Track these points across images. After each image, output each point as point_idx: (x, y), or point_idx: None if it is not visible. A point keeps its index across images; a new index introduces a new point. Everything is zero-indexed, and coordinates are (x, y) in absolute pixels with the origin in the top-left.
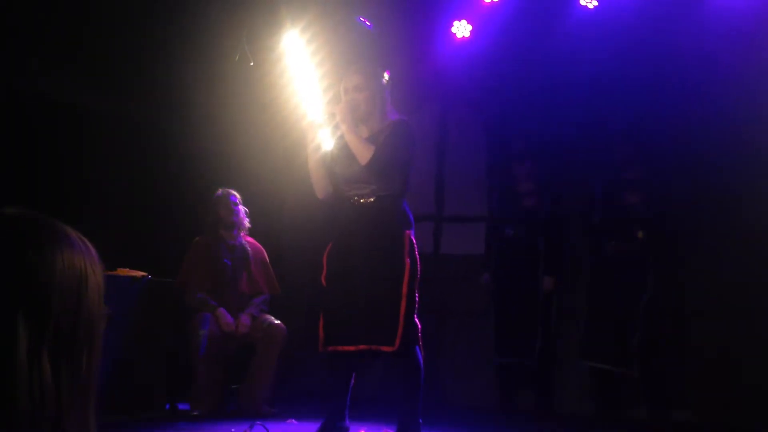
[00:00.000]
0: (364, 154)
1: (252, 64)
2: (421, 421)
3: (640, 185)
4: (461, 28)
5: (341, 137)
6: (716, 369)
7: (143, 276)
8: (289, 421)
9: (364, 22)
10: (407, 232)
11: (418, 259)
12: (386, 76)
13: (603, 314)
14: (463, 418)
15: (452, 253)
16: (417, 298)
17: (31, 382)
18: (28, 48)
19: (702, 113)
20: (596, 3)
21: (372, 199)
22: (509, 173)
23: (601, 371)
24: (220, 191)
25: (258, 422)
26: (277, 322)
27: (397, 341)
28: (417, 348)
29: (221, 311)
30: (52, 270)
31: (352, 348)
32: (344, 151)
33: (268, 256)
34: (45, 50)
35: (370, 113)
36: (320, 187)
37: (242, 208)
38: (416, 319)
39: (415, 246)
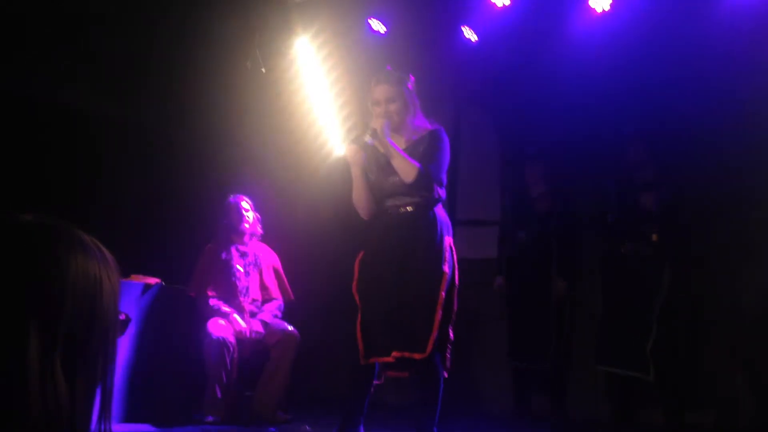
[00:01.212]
0: (409, 172)
1: (264, 70)
2: (436, 430)
3: (654, 186)
4: (472, 33)
5: (376, 149)
6: (731, 372)
7: (156, 282)
8: (303, 427)
9: (370, 27)
10: (448, 238)
11: (456, 267)
12: (411, 79)
13: (618, 317)
14: (477, 422)
15: (465, 256)
16: (455, 308)
17: (43, 388)
18: (43, 57)
19: (715, 113)
20: (608, 6)
21: (410, 208)
22: (522, 176)
23: (616, 374)
24: (231, 197)
25: (272, 429)
26: (291, 328)
27: (429, 348)
28: (438, 358)
29: (234, 317)
30: (65, 277)
31: (389, 359)
32: (382, 162)
33: (281, 262)
34: (59, 59)
35: (404, 122)
36: (367, 207)
37: (254, 215)
38: (450, 330)
39: (455, 253)
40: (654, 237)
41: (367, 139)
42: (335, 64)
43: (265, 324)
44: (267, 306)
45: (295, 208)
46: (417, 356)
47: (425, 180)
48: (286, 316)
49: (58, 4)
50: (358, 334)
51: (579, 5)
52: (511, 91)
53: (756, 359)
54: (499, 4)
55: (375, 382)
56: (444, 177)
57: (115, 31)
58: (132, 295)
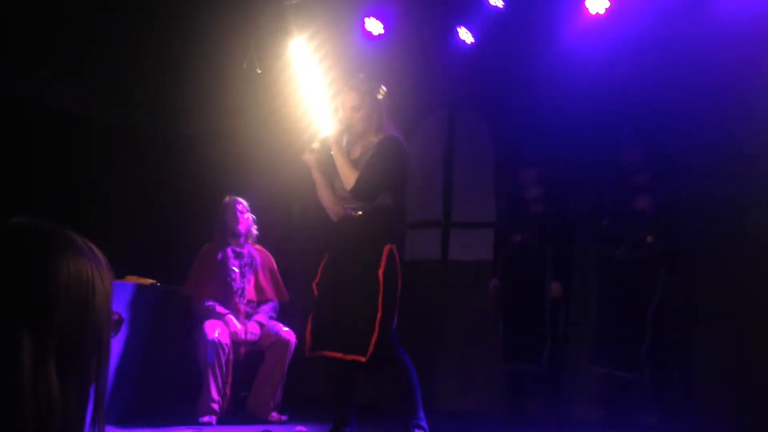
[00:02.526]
0: (349, 180)
1: (259, 71)
2: (425, 424)
3: (649, 190)
4: (468, 35)
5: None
6: (727, 374)
7: (152, 283)
8: (297, 428)
9: (366, 29)
10: (387, 245)
11: (399, 272)
12: (383, 90)
13: (613, 318)
14: (472, 424)
15: (460, 259)
16: (396, 310)
17: (36, 390)
18: (36, 60)
19: (711, 116)
20: (603, 10)
21: (360, 213)
22: (517, 179)
23: (611, 377)
24: (227, 199)
25: (267, 430)
26: (286, 329)
27: (369, 352)
28: (401, 353)
29: (229, 318)
30: (57, 279)
31: (331, 354)
32: (333, 168)
33: (277, 264)
34: (53, 62)
35: (366, 131)
36: (331, 210)
37: (250, 216)
38: (390, 335)
39: (396, 259)
40: (649, 239)
41: (315, 145)
42: (331, 65)
43: (260, 325)
44: (262, 307)
45: (290, 209)
46: (359, 359)
47: (362, 186)
48: (282, 317)
49: (50, 5)
50: (308, 328)
51: (575, 8)
52: (505, 93)
53: (751, 361)
54: (500, 5)
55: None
56: (392, 183)
57: (109, 31)
58: (127, 295)
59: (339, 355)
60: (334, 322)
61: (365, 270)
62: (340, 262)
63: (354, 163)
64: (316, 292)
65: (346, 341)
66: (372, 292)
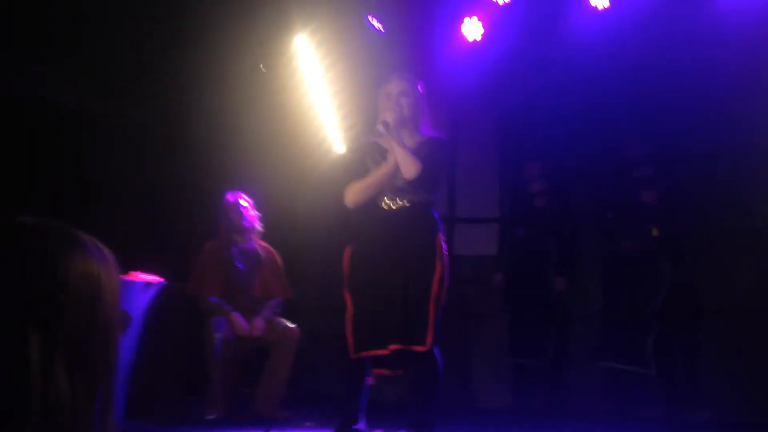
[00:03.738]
0: (410, 168)
1: (262, 67)
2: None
3: (653, 183)
4: (472, 29)
5: (380, 144)
6: (732, 367)
7: (158, 281)
8: (304, 424)
9: (370, 25)
10: (439, 235)
11: (447, 263)
12: (422, 87)
13: (618, 313)
14: (477, 418)
15: (464, 254)
16: (443, 301)
17: (44, 389)
18: (30, 54)
19: (714, 111)
20: (608, 2)
21: (407, 203)
22: (521, 174)
23: (617, 370)
24: (230, 195)
25: (273, 426)
26: (291, 325)
27: (428, 341)
28: (438, 354)
29: (235, 315)
30: (65, 278)
31: (385, 351)
32: (386, 157)
33: (281, 260)
34: (47, 56)
35: (413, 118)
36: (365, 197)
37: (254, 212)
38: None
39: (445, 250)
40: (654, 232)
41: (379, 127)
42: (334, 61)
43: (265, 321)
44: (268, 303)
45: (294, 205)
46: (418, 349)
47: (424, 178)
48: (287, 313)
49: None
50: (349, 329)
51: (578, 2)
52: (509, 89)
53: (756, 354)
54: (500, 2)
55: (369, 382)
56: (442, 181)
57: (109, 26)
58: (133, 293)
59: (397, 346)
60: (383, 316)
61: (421, 258)
62: (383, 255)
63: None
64: (347, 291)
65: (402, 331)
66: (427, 279)
